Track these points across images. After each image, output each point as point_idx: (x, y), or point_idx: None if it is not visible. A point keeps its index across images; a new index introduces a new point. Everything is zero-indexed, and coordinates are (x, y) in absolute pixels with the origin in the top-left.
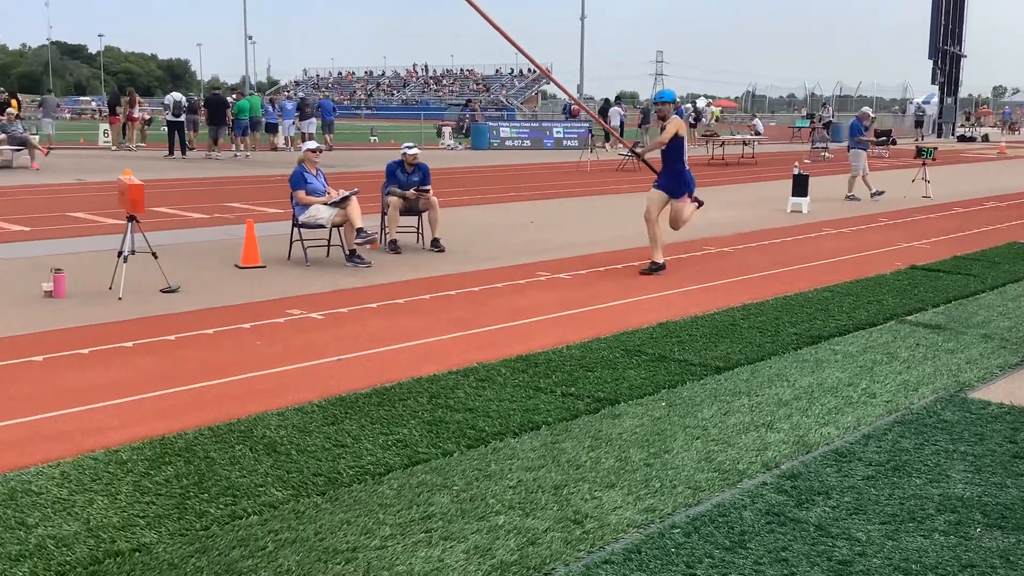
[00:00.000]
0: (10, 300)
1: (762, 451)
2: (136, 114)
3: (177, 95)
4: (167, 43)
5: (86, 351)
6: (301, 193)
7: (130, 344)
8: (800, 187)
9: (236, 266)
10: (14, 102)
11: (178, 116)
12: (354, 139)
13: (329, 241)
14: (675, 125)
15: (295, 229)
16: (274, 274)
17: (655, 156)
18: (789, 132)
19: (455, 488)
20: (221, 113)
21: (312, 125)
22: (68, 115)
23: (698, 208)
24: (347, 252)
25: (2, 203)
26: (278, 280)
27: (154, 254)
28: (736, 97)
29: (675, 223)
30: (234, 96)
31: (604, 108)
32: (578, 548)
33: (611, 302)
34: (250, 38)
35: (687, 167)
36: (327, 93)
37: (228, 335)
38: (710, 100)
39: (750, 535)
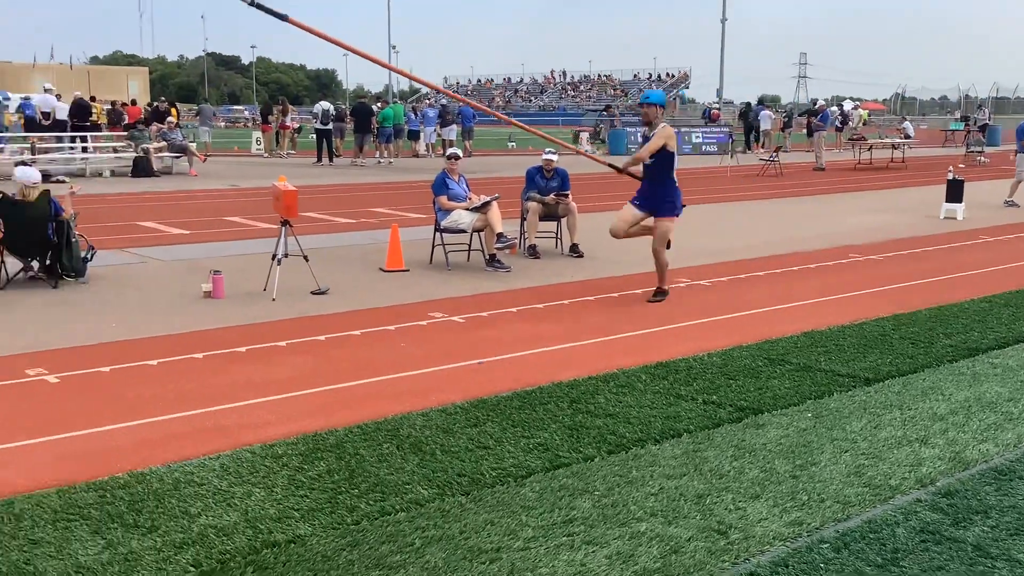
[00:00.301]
0: (172, 300)
1: (916, 467)
2: (288, 122)
3: (326, 104)
4: (315, 53)
5: (243, 349)
6: (443, 199)
7: (284, 343)
8: (954, 192)
9: (381, 269)
10: (173, 111)
11: (326, 124)
12: (492, 145)
13: (470, 246)
14: (663, 136)
15: (437, 234)
16: (417, 278)
17: (638, 169)
18: (942, 136)
19: (596, 493)
20: (367, 121)
21: (453, 132)
22: (223, 123)
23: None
24: (487, 256)
25: (163, 207)
26: (421, 284)
27: (305, 257)
28: (884, 99)
29: (659, 242)
30: (379, 104)
31: (745, 111)
32: (722, 559)
33: (753, 310)
34: (394, 47)
35: (676, 184)
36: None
37: (374, 336)
38: (857, 103)
39: (903, 553)
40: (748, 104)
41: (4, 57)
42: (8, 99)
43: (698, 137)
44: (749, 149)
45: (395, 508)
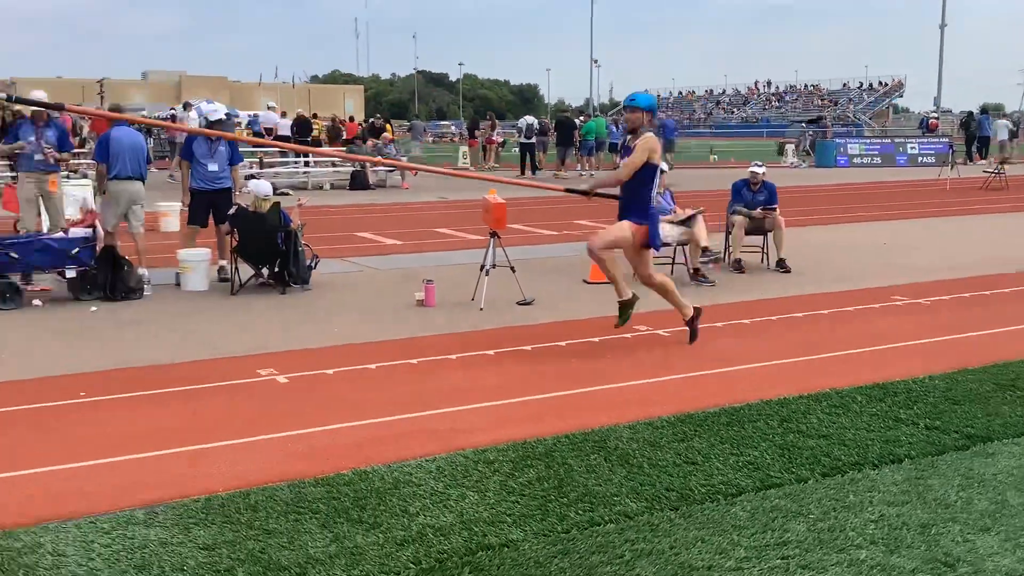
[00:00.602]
0: (388, 307)
1: None
2: (494, 137)
3: (530, 119)
4: (519, 69)
5: (454, 356)
6: None
7: (492, 352)
8: None
9: (584, 281)
10: (388, 127)
11: (529, 138)
12: (693, 158)
13: (673, 259)
14: (646, 148)
15: None
16: None
17: (613, 190)
18: None
19: (811, 516)
20: (570, 134)
21: None
22: (431, 138)
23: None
24: (691, 271)
25: (378, 219)
26: None
27: (512, 268)
28: None
29: (595, 238)
30: (582, 118)
31: (967, 120)
32: None
33: (979, 331)
34: (595, 62)
35: (653, 204)
36: (669, 113)
37: (579, 348)
38: None
39: None
40: (970, 113)
41: (233, 77)
42: (238, 116)
43: (914, 148)
44: (971, 160)
45: (604, 519)
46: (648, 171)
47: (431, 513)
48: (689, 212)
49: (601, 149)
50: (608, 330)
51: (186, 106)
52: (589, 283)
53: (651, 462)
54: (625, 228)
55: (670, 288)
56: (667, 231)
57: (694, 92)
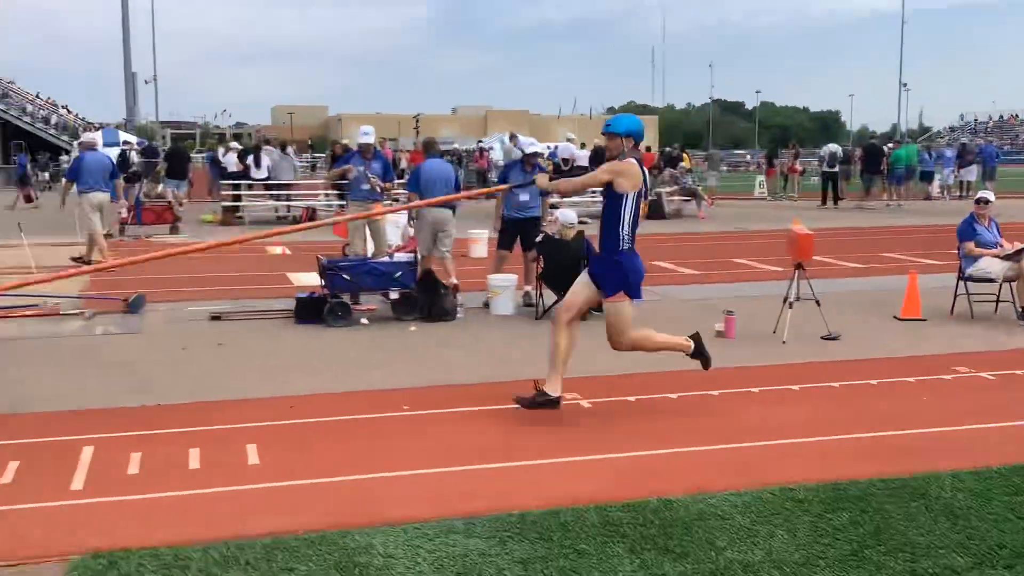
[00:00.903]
0: None
1: None
2: (796, 165)
3: (833, 146)
4: (819, 95)
5: (756, 390)
6: (970, 245)
7: (796, 387)
8: None
9: (895, 317)
10: (685, 156)
11: (832, 167)
12: (1017, 187)
13: (998, 297)
14: (611, 170)
15: (961, 282)
16: (936, 328)
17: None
18: None
19: None
20: (877, 162)
21: (972, 172)
22: (725, 168)
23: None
24: (1019, 309)
25: (675, 248)
26: (941, 335)
27: (817, 301)
28: None
29: (610, 335)
30: (890, 145)
31: None
32: None
33: None
34: (904, 85)
35: (626, 246)
36: (989, 139)
37: (892, 387)
38: None
39: None
40: None
41: (534, 110)
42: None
43: None
44: None
45: (928, 572)
46: (614, 201)
47: (738, 548)
48: (1018, 246)
49: (911, 177)
50: (925, 369)
51: (512, 137)
52: (900, 319)
53: (979, 515)
54: (617, 309)
55: (563, 349)
56: (992, 266)
57: (1017, 116)
